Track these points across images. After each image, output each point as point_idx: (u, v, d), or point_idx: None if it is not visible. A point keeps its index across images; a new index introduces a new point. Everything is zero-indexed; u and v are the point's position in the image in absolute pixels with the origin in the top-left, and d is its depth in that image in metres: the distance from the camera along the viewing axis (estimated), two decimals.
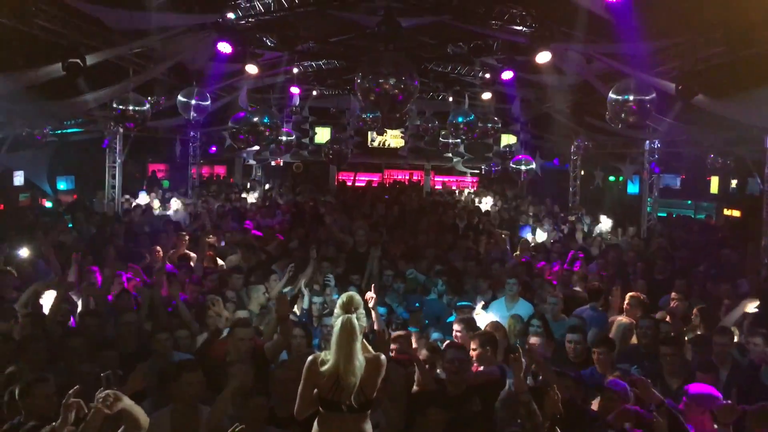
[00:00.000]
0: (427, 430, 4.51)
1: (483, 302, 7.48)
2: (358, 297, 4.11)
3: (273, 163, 25.26)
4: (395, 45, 10.79)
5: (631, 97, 8.66)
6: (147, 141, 18.32)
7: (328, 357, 3.93)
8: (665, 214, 19.31)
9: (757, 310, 6.12)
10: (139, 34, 9.46)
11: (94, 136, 16.47)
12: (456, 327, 6.26)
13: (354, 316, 3.96)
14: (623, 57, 10.19)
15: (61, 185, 19.18)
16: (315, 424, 3.99)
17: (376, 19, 11.27)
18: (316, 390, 3.93)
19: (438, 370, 5.37)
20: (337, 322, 3.97)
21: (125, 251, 9.56)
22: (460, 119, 12.70)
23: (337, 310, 4.06)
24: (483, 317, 7.01)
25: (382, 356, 4.08)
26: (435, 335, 6.68)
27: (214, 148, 23.15)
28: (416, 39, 12.87)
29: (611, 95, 8.97)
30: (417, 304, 7.89)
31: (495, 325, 6.27)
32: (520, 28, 10.58)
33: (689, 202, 22.55)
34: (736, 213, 19.66)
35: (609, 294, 7.91)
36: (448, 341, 6.11)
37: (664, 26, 8.64)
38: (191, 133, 20.10)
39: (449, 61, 15.97)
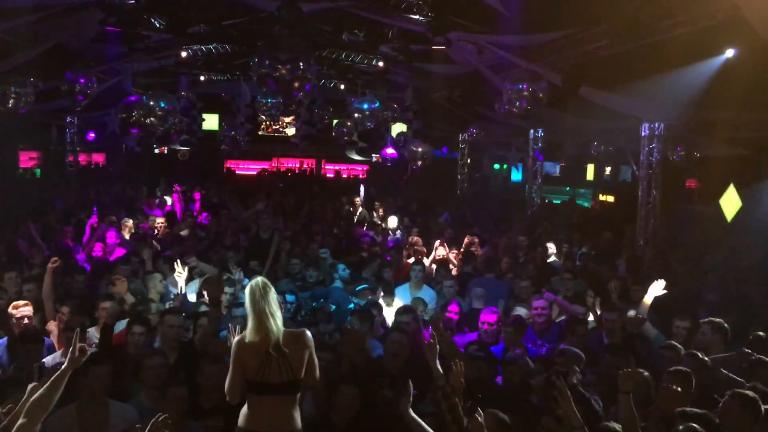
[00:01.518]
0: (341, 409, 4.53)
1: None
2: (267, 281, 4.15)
3: (157, 151, 24.27)
4: (292, 30, 10.64)
5: (525, 87, 9.01)
6: (17, 127, 17.02)
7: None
8: (547, 200, 20.34)
9: (664, 291, 6.50)
10: (16, 11, 8.73)
11: None
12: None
13: (261, 279, 4.14)
14: (513, 48, 10.62)
15: None
16: (243, 410, 3.92)
17: (271, 3, 11.06)
18: (244, 373, 3.87)
19: None
20: (246, 289, 4.08)
21: None
22: (365, 106, 12.74)
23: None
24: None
25: (306, 331, 4.09)
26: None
27: (92, 135, 21.91)
28: (313, 25, 12.73)
29: (507, 84, 9.31)
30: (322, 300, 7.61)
31: (406, 308, 6.39)
32: (416, 17, 10.71)
33: (567, 188, 23.87)
34: (610, 198, 21.02)
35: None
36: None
37: (552, 19, 9.03)
38: (68, 118, 18.87)
39: (343, 49, 15.94)
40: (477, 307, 7.28)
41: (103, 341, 5.39)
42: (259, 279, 4.13)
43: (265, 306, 3.94)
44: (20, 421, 3.37)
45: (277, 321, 3.96)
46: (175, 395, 4.37)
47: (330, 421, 4.51)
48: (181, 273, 7.01)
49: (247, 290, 4.07)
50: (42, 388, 3.46)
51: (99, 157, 25.77)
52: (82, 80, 10.26)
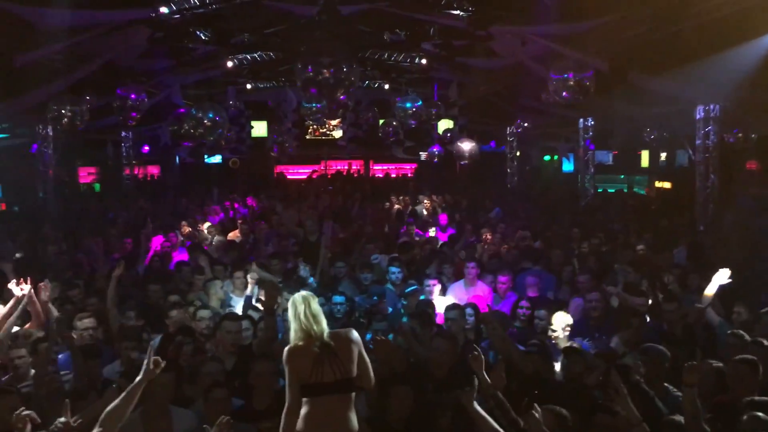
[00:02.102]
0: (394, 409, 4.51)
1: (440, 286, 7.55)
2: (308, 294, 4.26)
3: (209, 160, 24.83)
4: (333, 34, 10.74)
5: (571, 76, 8.85)
6: (76, 144, 17.66)
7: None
8: (601, 190, 19.92)
9: (729, 280, 6.29)
10: (68, 32, 9.05)
11: (20, 141, 15.81)
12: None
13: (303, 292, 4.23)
14: (557, 38, 10.43)
15: None
16: (301, 414, 3.94)
17: (311, 8, 11.17)
18: (300, 380, 3.92)
19: None
20: (288, 303, 4.18)
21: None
22: (408, 105, 12.74)
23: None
24: (441, 301, 7.10)
25: (353, 330, 4.16)
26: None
27: (146, 148, 22.53)
28: (353, 27, 12.80)
29: (552, 74, 9.16)
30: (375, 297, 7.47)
31: (455, 306, 6.33)
32: (457, 12, 10.66)
33: (622, 176, 23.32)
34: (667, 185, 20.44)
35: None
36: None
37: (596, 5, 8.85)
38: (123, 133, 19.46)
39: (385, 49, 15.97)
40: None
41: (164, 349, 5.53)
42: (301, 292, 4.25)
43: (305, 309, 4.01)
44: (96, 430, 3.50)
45: (319, 321, 4.02)
46: (215, 397, 4.44)
47: (385, 421, 4.51)
48: (253, 276, 7.22)
49: (288, 303, 4.17)
50: (117, 399, 3.61)
51: (154, 170, 26.46)
52: (132, 96, 10.55)
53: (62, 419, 3.42)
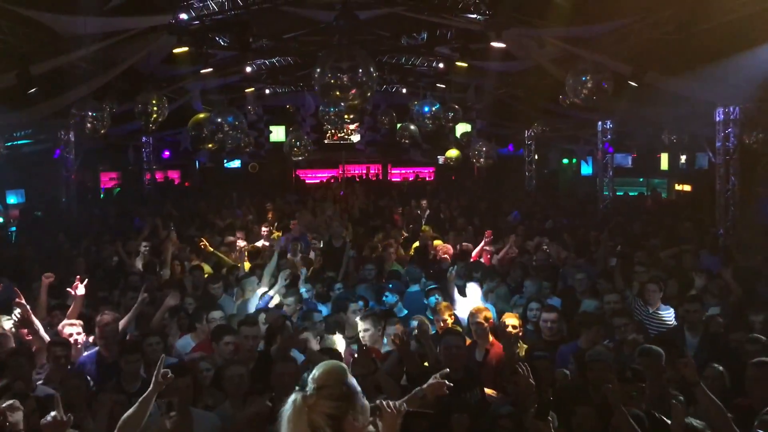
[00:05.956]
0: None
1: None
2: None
3: (229, 165, 25.09)
4: (351, 38, 10.78)
5: (589, 78, 8.82)
6: (98, 149, 17.91)
7: None
8: (621, 193, 19.81)
9: None
10: (90, 39, 9.19)
11: (44, 146, 16.05)
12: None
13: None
14: (575, 40, 10.40)
15: (11, 199, 18.56)
16: None
17: (329, 14, 11.24)
18: None
19: None
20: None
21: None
22: (426, 109, 12.74)
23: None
24: (462, 302, 7.14)
25: None
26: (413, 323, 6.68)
27: (167, 153, 22.80)
28: (370, 31, 12.87)
29: (569, 77, 9.13)
30: (388, 297, 7.48)
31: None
32: (474, 16, 10.66)
33: (641, 179, 23.13)
34: (687, 187, 20.26)
35: None
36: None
37: (614, 7, 8.82)
38: (144, 138, 19.71)
39: (402, 53, 16.03)
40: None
41: None
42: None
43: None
44: None
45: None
46: (257, 406, 4.43)
47: (403, 425, 4.53)
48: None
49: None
50: (132, 408, 3.73)
51: (174, 174, 26.75)
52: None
53: (53, 413, 3.51)
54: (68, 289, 6.28)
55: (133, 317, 6.30)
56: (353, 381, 2.80)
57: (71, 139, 14.90)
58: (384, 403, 2.96)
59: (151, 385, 3.72)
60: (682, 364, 4.13)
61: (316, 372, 2.82)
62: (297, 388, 2.79)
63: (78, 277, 6.30)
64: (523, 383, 4.43)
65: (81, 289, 6.16)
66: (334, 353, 5.29)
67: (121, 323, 5.99)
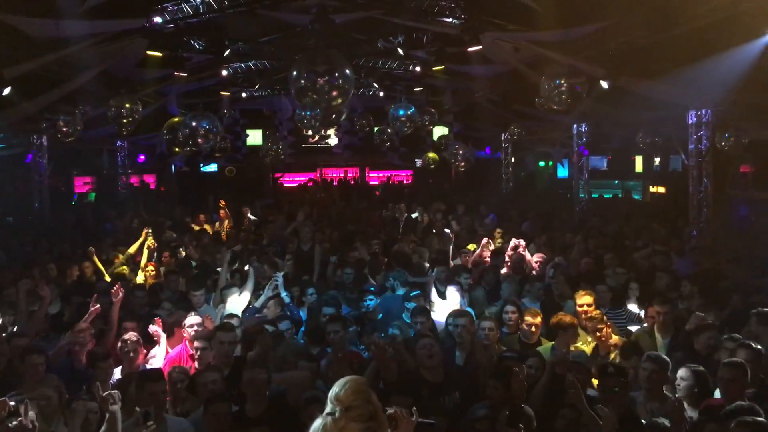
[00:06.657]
0: None
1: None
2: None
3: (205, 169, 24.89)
4: (327, 42, 10.76)
5: (563, 81, 8.90)
6: (71, 153, 17.68)
7: None
8: (597, 195, 20.00)
9: None
10: (63, 43, 9.07)
11: (16, 151, 15.82)
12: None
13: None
14: (550, 44, 10.49)
15: None
16: None
17: (305, 17, 11.22)
18: None
19: None
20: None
21: None
22: (401, 112, 12.72)
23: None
24: (441, 305, 7.15)
25: None
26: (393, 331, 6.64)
27: (142, 157, 22.56)
28: (347, 35, 12.86)
29: (544, 81, 9.21)
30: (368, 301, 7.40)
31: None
32: (450, 20, 10.71)
33: (616, 182, 23.39)
34: (661, 189, 20.51)
35: None
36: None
37: (589, 12, 8.91)
38: (119, 142, 19.48)
39: (379, 56, 16.03)
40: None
41: None
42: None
43: None
44: None
45: None
46: (216, 411, 4.42)
47: None
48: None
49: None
50: (103, 426, 3.81)
51: (150, 178, 26.43)
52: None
53: (20, 418, 3.48)
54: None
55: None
56: (375, 397, 2.80)
57: (44, 144, 14.70)
58: (398, 411, 2.97)
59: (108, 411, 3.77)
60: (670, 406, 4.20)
61: (339, 391, 2.78)
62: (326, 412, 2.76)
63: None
64: (516, 384, 4.44)
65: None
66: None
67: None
